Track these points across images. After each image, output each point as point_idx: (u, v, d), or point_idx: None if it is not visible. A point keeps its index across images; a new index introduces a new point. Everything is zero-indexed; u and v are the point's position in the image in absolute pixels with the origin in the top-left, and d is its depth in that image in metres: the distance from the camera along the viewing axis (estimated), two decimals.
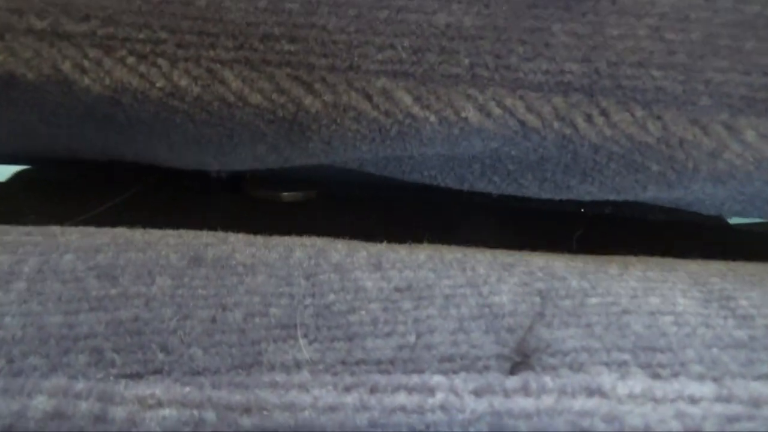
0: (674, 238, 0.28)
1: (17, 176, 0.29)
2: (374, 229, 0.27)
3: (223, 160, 0.20)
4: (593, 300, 0.15)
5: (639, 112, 0.18)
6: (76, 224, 0.17)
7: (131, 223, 0.18)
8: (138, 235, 0.16)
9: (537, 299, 0.14)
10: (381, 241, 0.18)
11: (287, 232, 0.19)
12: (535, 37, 0.17)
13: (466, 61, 0.17)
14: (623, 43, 0.17)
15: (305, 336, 0.13)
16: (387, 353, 0.13)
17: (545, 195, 0.21)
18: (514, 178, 0.21)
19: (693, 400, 0.13)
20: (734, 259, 0.18)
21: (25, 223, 0.17)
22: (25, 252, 0.14)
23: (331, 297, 0.14)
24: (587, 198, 0.21)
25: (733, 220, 0.29)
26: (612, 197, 0.20)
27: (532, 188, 0.21)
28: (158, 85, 0.16)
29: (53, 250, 0.14)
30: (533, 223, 0.28)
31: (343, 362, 0.13)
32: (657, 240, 0.28)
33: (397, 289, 0.15)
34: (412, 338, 0.14)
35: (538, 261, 0.16)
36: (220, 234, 0.16)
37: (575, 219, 0.28)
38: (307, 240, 0.16)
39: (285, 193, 0.29)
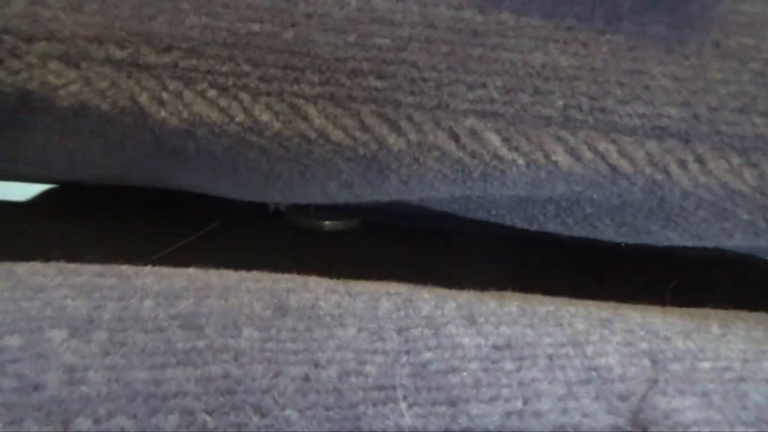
0: (714, 275, 0.27)
1: (45, 197, 0.28)
2: (419, 259, 0.26)
3: (288, 195, 0.19)
4: (705, 364, 0.14)
5: (736, 160, 0.17)
6: (147, 263, 0.16)
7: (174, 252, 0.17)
8: (215, 278, 0.15)
9: (647, 362, 0.13)
10: (428, 272, 0.17)
11: (330, 261, 0.18)
12: (633, 80, 0.16)
13: (560, 102, 0.16)
14: (726, 88, 0.16)
15: (405, 398, 0.12)
16: (494, 420, 0.12)
17: (621, 239, 0.20)
18: (590, 222, 0.20)
19: None
20: None
21: (66, 250, 0.16)
22: (102, 297, 0.13)
23: (428, 355, 0.13)
24: (665, 243, 0.20)
25: None
26: (693, 243, 0.20)
27: (608, 232, 0.20)
28: (237, 119, 0.16)
29: (131, 295, 0.14)
30: (572, 258, 0.27)
31: (448, 430, 0.12)
32: (698, 276, 0.27)
33: (496, 347, 0.14)
34: (518, 404, 0.13)
35: (635, 316, 0.15)
36: (299, 278, 0.16)
37: (616, 255, 0.27)
38: (391, 287, 0.15)
39: (327, 222, 0.29)
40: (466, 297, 0.15)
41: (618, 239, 0.20)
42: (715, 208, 0.18)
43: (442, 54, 0.16)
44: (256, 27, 0.15)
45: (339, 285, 0.15)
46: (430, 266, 0.23)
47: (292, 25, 0.15)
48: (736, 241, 0.19)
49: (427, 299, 0.15)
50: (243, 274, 0.16)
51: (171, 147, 0.17)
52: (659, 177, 0.17)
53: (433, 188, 0.18)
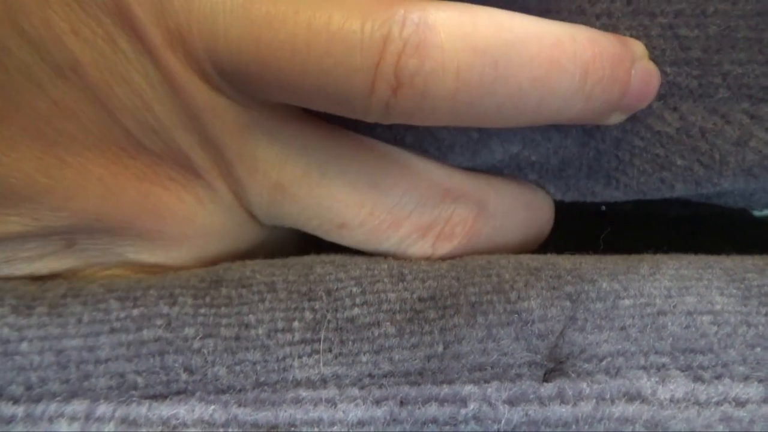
0: (697, 234, 0.27)
1: None
2: None
3: None
4: (626, 302, 0.14)
5: (654, 104, 0.17)
6: None
7: None
8: None
9: (567, 303, 0.14)
10: None
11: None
12: None
13: None
14: None
15: (330, 350, 0.13)
16: (415, 364, 0.13)
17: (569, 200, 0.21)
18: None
19: (739, 403, 0.12)
20: (761, 253, 0.18)
21: None
22: (52, 280, 0.14)
23: (355, 311, 0.14)
24: (611, 200, 0.20)
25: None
26: (638, 198, 0.20)
27: (555, 196, 0.20)
28: None
29: (79, 278, 0.14)
30: (556, 224, 0.28)
31: (370, 375, 0.13)
32: (680, 236, 0.27)
33: (421, 299, 0.14)
34: (440, 348, 0.13)
35: (565, 263, 0.16)
36: (238, 261, 0.16)
37: (597, 218, 0.28)
38: (326, 257, 0.16)
39: None
40: (399, 259, 0.16)
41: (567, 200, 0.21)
42: (648, 155, 0.18)
43: None
44: None
45: (276, 260, 0.16)
46: None
47: None
48: (680, 191, 0.19)
49: (360, 263, 0.15)
50: None
51: None
52: (588, 125, 0.17)
53: None
